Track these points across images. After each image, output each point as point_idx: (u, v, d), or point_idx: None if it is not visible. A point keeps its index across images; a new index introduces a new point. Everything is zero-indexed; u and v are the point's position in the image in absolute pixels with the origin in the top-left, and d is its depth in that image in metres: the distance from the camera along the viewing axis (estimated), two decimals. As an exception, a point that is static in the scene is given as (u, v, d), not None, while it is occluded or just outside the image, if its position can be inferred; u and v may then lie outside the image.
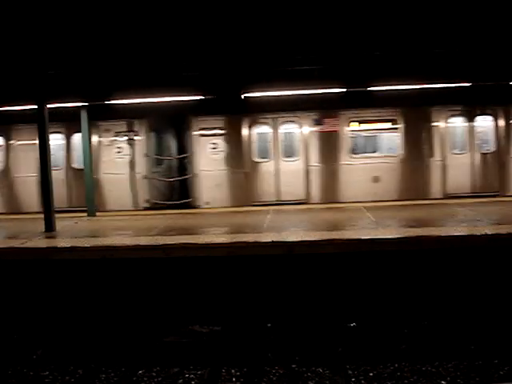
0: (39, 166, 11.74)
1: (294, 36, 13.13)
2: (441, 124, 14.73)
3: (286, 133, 15.07)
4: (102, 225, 12.48)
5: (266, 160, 14.99)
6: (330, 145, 14.81)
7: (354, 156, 14.84)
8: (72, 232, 11.34)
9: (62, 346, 7.65)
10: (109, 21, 12.88)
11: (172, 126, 15.17)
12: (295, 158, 14.94)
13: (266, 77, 13.46)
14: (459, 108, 14.70)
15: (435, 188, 14.74)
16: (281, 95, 13.61)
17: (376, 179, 14.71)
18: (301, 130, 14.91)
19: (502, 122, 14.67)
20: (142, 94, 13.19)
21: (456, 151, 14.75)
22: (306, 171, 14.87)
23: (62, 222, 12.31)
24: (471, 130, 14.75)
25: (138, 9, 12.68)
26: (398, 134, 14.80)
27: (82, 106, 13.53)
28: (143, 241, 9.80)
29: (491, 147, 14.76)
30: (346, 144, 14.82)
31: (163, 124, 15.15)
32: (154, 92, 13.13)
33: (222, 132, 14.96)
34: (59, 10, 12.26)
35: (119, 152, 15.07)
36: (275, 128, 14.94)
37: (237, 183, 14.98)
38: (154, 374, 6.57)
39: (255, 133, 15.04)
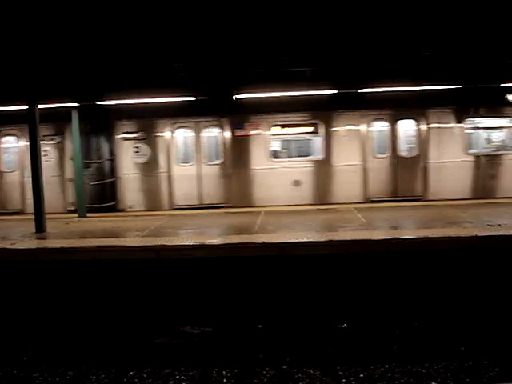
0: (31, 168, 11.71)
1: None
2: (362, 128, 14.81)
3: (208, 137, 15.18)
4: (93, 226, 12.43)
5: (187, 164, 15.08)
6: (250, 149, 14.90)
7: (275, 160, 14.98)
8: (63, 233, 11.31)
9: (52, 347, 7.63)
10: (99, 22, 12.81)
11: (97, 129, 15.22)
12: (216, 162, 15.06)
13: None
14: (381, 112, 14.77)
15: (358, 192, 14.79)
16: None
17: (297, 183, 14.81)
18: (223, 134, 15.00)
19: (423, 127, 14.73)
20: (126, 94, 13.27)
21: (378, 155, 14.82)
22: (228, 175, 14.96)
23: (52, 223, 12.26)
24: (393, 134, 14.83)
25: (129, 10, 12.62)
26: (320, 138, 14.90)
27: (74, 106, 13.55)
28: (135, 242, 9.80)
29: (413, 151, 14.86)
30: (266, 148, 14.95)
31: (89, 127, 15.12)
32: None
33: (145, 136, 15.00)
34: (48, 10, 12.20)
35: (45, 155, 14.83)
36: (197, 132, 15.02)
37: (159, 187, 15.05)
38: (144, 375, 6.57)
39: (177, 137, 15.15)
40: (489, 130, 15.11)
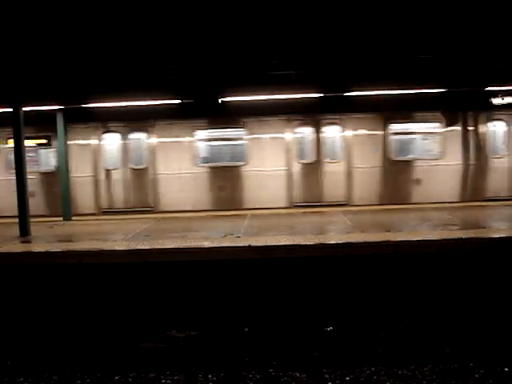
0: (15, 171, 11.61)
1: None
2: (94, 141, 15.02)
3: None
4: (78, 229, 12.36)
5: None
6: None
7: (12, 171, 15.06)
8: (48, 237, 11.23)
9: (37, 352, 7.56)
10: (82, 24, 12.76)
11: None
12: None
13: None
14: (113, 124, 14.98)
15: (91, 203, 15.00)
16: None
17: (31, 194, 14.60)
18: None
19: (152, 139, 15.00)
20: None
21: (109, 167, 15.02)
22: None
23: (37, 227, 12.17)
24: (125, 147, 15.07)
25: (111, 13, 12.58)
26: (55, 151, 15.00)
27: (59, 109, 13.50)
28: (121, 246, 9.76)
29: (143, 163, 15.04)
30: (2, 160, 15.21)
31: None
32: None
33: None
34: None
35: None
36: None
37: None
38: (130, 379, 6.52)
39: None
40: (222, 142, 15.28)
